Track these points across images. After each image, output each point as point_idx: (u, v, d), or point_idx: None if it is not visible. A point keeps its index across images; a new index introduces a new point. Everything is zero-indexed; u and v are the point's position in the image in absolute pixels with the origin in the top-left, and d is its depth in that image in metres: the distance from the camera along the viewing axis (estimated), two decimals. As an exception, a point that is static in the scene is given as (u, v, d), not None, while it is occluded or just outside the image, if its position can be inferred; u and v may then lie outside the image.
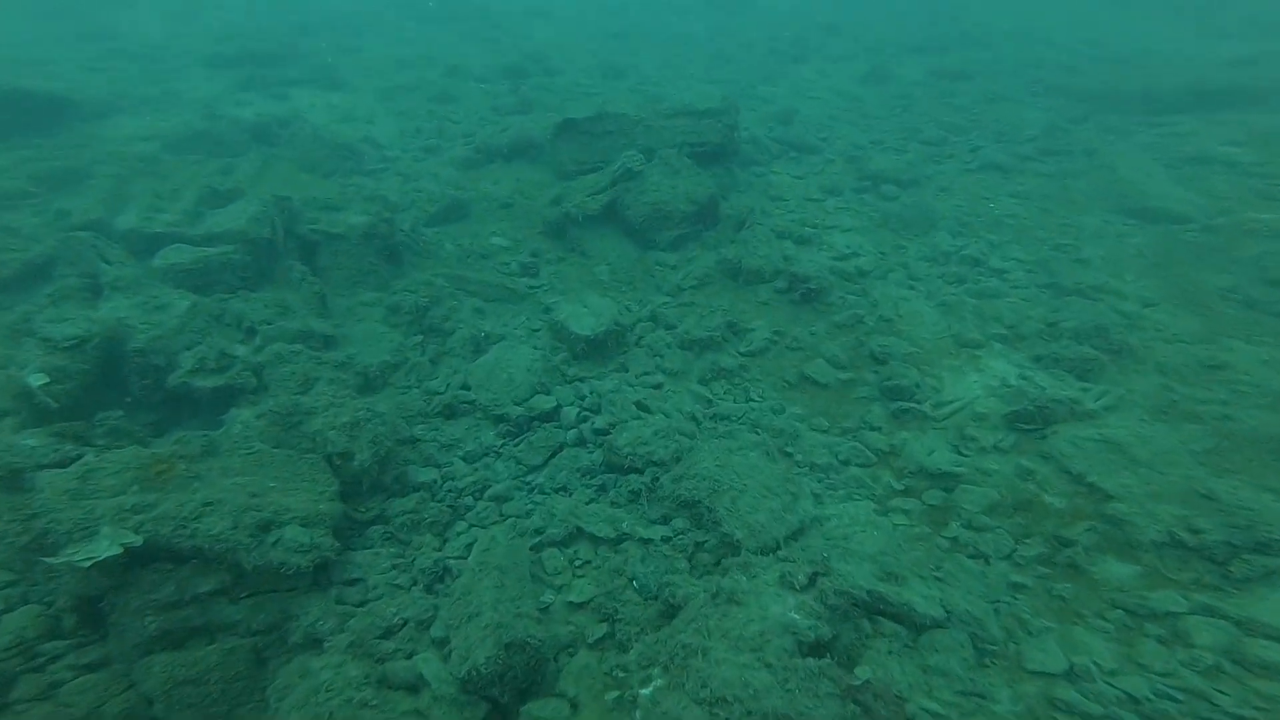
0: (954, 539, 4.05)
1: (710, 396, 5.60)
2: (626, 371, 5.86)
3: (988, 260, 6.92)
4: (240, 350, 4.55)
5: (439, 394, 5.44)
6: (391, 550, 3.84)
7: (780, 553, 3.65)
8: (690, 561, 3.87)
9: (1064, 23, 17.60)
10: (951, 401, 5.22)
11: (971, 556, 3.91)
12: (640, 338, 6.19)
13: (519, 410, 5.26)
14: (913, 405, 5.21)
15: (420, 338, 5.83)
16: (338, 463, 3.86)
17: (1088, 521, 4.03)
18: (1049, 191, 8.20)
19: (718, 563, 3.78)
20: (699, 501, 4.08)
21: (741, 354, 6.07)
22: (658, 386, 5.75)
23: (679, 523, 4.14)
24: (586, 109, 9.87)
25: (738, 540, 3.76)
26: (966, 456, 4.72)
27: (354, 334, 5.73)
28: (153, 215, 5.83)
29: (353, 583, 3.57)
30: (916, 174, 8.68)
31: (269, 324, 4.93)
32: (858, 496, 4.43)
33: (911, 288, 6.53)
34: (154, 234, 5.62)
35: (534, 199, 8.02)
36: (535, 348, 5.82)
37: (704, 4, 20.27)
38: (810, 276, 6.33)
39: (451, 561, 3.77)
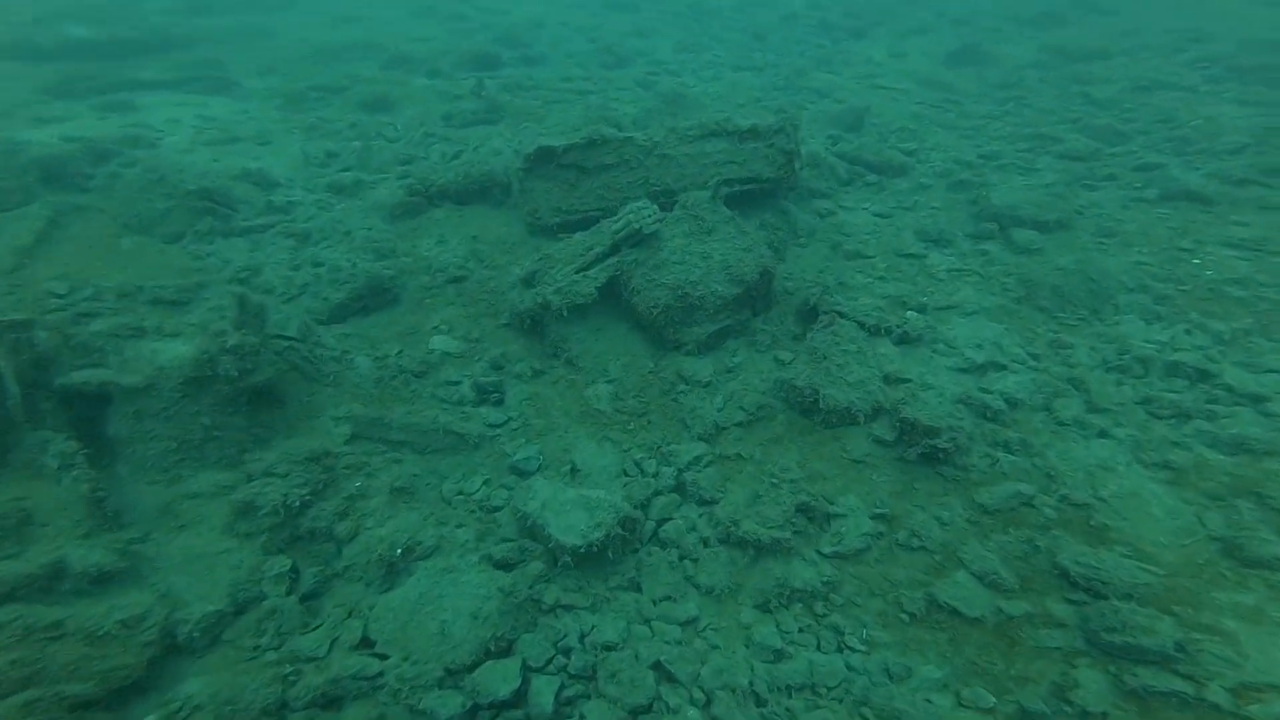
0: None
1: (777, 643, 3.59)
2: (639, 593, 3.87)
3: (1219, 371, 4.75)
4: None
5: (316, 660, 3.49)
6: None
7: None
8: None
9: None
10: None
11: None
12: (660, 526, 4.18)
13: (456, 700, 3.30)
14: (1177, 687, 3.13)
15: (287, 560, 3.86)
16: None
17: None
18: (1284, 237, 5.99)
19: None
20: None
21: (825, 556, 4.02)
22: (689, 623, 3.76)
23: None
24: (574, 118, 7.87)
25: None
26: None
27: (168, 555, 3.78)
28: None
29: None
30: (1062, 209, 6.51)
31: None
32: None
33: (1104, 435, 4.39)
34: None
35: (497, 268, 6.02)
36: (491, 563, 3.85)
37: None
38: (934, 428, 4.23)
39: None
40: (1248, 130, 7.67)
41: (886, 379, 4.82)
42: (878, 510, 4.10)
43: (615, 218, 5.49)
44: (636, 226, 5.23)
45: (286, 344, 4.92)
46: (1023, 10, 13.20)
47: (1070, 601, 3.64)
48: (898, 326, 5.15)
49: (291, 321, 5.17)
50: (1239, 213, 6.22)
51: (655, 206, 5.38)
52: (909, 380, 4.82)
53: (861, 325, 5.13)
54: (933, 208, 6.99)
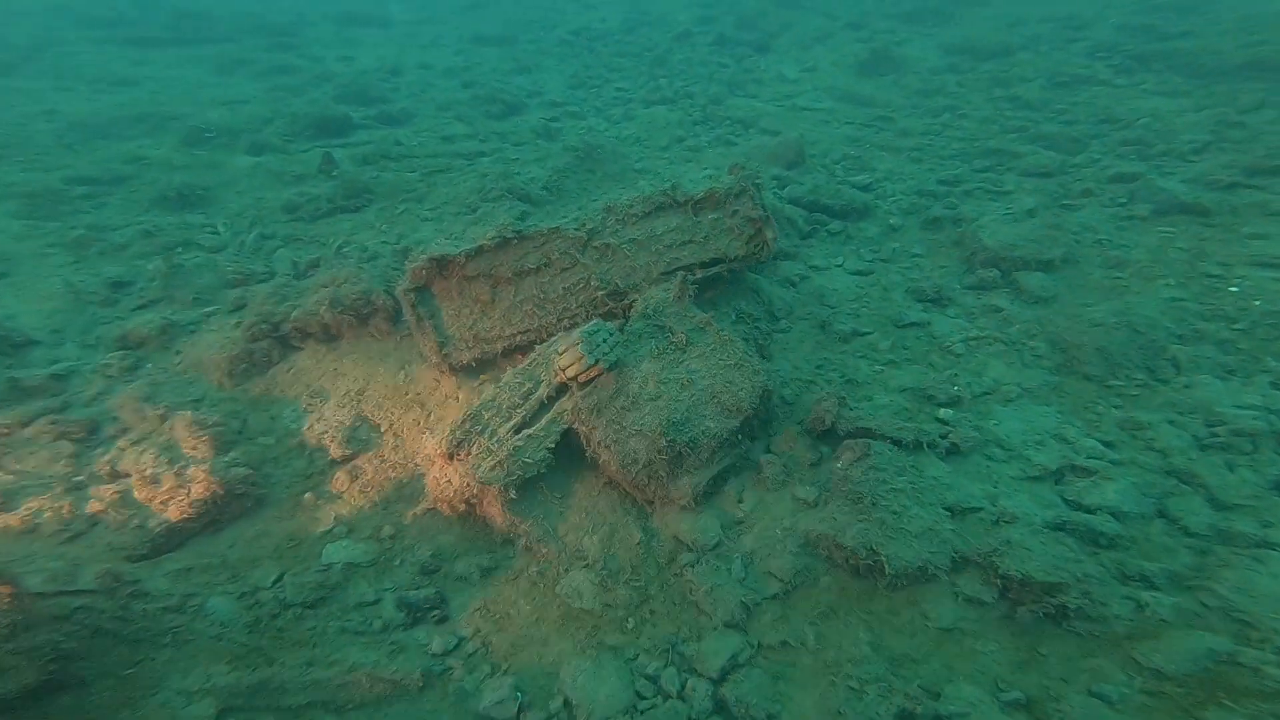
0: None
1: None
2: None
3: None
4: None
5: None
6: None
7: None
8: None
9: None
10: None
11: None
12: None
13: None
14: None
15: None
16: None
17: None
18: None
19: None
20: None
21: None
22: None
23: None
24: (468, 191, 6.68)
25: None
26: None
27: None
28: None
29: None
30: (1063, 242, 6.00)
31: None
32: None
33: (1267, 546, 3.66)
34: None
35: (403, 434, 4.69)
36: None
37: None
38: (1056, 584, 3.36)
39: None
40: (1198, 125, 7.64)
41: (952, 512, 3.91)
42: (1008, 696, 3.17)
43: (557, 347, 4.33)
44: (592, 362, 4.09)
45: (77, 605, 3.54)
46: (900, 5, 13.28)
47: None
48: (941, 438, 4.28)
49: (82, 568, 3.74)
50: (1247, 223, 5.93)
51: (610, 327, 4.27)
52: (978, 509, 3.94)
53: (898, 444, 4.22)
54: (914, 255, 6.33)
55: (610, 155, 7.67)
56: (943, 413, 4.60)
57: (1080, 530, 3.75)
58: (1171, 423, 4.37)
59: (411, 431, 4.55)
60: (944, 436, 4.28)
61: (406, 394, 4.75)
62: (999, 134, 8.38)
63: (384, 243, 6.04)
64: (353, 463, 4.43)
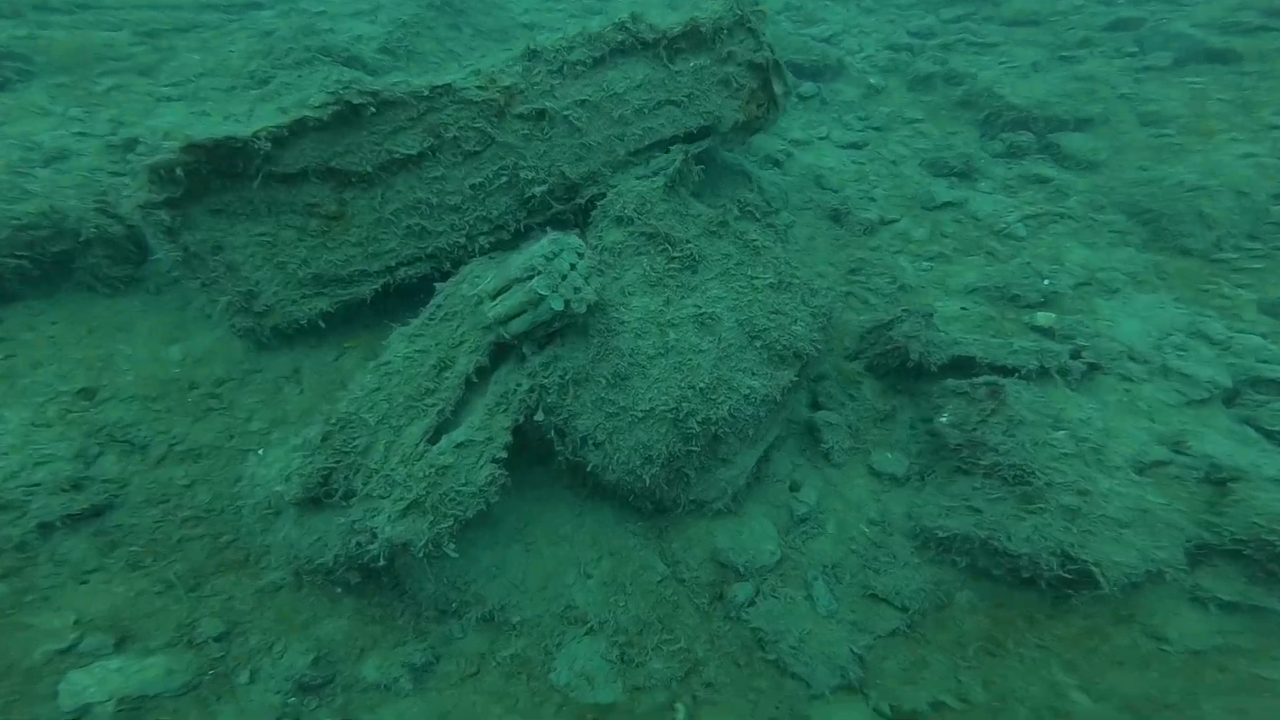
0: None
1: None
2: None
3: None
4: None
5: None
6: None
7: None
8: None
9: None
10: None
11: None
12: None
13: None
14: None
15: None
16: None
17: None
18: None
19: None
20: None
21: None
22: None
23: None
24: (235, 57, 4.44)
25: None
26: None
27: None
28: None
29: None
30: (1096, 97, 4.79)
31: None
32: None
33: None
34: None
35: (190, 455, 2.64)
36: None
37: None
38: None
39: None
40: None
41: (1137, 469, 2.62)
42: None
43: (482, 284, 2.46)
44: (557, 305, 2.27)
45: None
46: None
47: None
48: (1074, 357, 2.95)
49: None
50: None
51: (575, 241, 2.45)
52: (1164, 462, 2.69)
53: (1020, 377, 2.83)
54: (913, 122, 4.92)
55: (482, 3, 5.48)
56: (1041, 318, 3.30)
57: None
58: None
59: (210, 451, 2.55)
60: (1077, 355, 2.94)
61: (194, 388, 2.67)
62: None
63: (81, 134, 3.62)
64: (104, 516, 2.39)
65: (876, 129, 4.90)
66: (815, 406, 3.12)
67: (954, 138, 4.71)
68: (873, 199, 4.19)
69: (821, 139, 4.78)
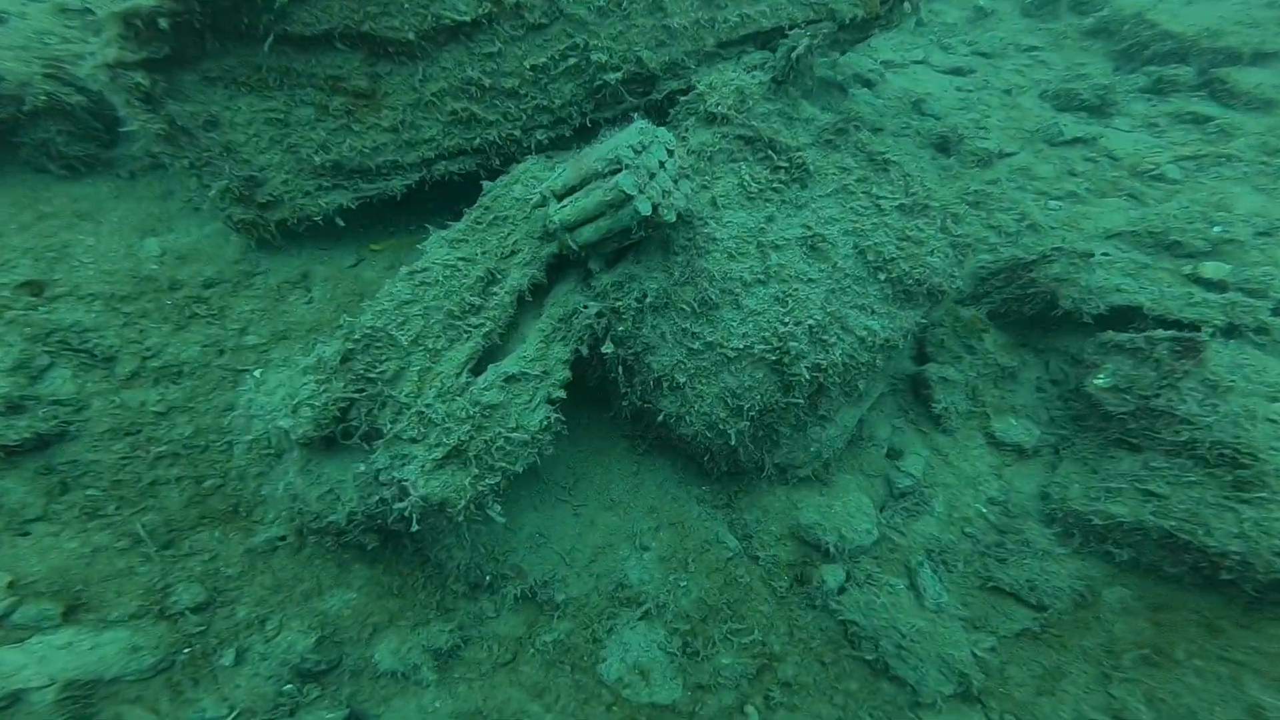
0: None
1: None
2: None
3: None
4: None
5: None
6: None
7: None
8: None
9: None
10: None
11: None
12: None
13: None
14: None
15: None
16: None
17: None
18: None
19: None
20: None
21: None
22: None
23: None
24: None
25: None
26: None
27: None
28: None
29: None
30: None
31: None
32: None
33: None
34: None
35: (168, 377, 2.19)
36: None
37: None
38: None
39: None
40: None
41: None
42: None
43: (546, 181, 1.95)
44: (643, 209, 1.75)
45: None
46: None
47: None
48: (1275, 314, 2.37)
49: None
50: None
51: (666, 134, 1.90)
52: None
53: (1208, 331, 2.26)
54: (1031, 50, 4.24)
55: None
56: (1210, 268, 2.69)
57: None
58: None
59: (205, 374, 2.09)
60: (1278, 311, 2.36)
61: (175, 288, 2.21)
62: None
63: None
64: (60, 445, 1.96)
65: (985, 55, 4.24)
66: (922, 359, 2.59)
67: (1083, 69, 4.03)
68: (985, 130, 3.58)
69: (917, 63, 4.15)
